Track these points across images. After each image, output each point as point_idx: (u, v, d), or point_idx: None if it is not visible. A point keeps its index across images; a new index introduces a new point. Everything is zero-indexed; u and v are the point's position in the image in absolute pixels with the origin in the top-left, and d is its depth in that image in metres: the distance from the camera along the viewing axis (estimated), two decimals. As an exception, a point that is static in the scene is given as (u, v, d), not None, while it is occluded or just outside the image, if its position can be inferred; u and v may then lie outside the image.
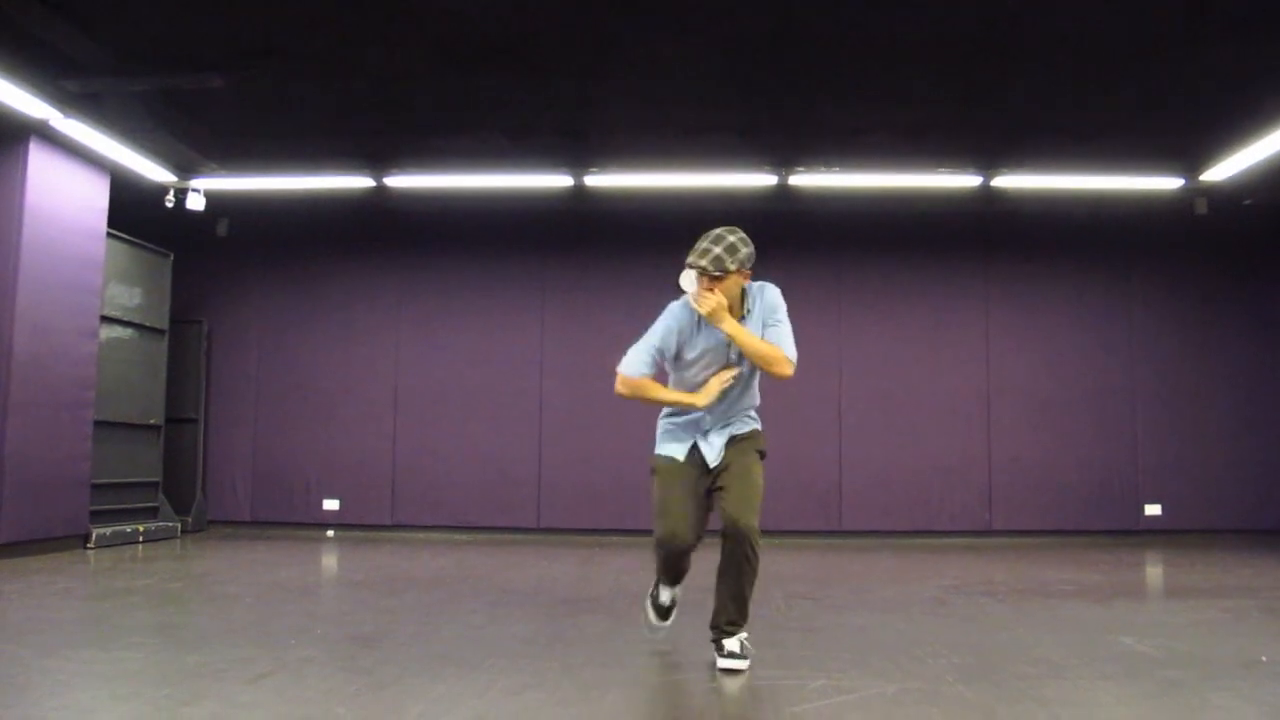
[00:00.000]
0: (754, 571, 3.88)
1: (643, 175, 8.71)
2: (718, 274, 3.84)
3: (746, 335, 3.91)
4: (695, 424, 4.11)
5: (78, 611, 5.46)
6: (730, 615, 3.93)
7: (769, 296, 4.06)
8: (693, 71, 7.19)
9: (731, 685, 3.63)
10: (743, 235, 3.94)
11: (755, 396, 4.20)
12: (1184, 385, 9.95)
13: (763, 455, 4.12)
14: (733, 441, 4.07)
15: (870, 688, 3.61)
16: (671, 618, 4.38)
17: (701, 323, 3.99)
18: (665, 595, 4.33)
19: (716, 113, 7.97)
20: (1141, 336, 10.03)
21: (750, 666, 3.86)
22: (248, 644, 4.39)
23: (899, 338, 10.04)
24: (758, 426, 4.19)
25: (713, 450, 4.06)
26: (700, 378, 4.06)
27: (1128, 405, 9.94)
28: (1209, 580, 6.92)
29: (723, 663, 3.88)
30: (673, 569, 4.10)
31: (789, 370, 3.91)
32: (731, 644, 3.91)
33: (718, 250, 3.86)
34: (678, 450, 4.09)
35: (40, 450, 7.65)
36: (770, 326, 3.98)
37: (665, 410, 4.18)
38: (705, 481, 4.03)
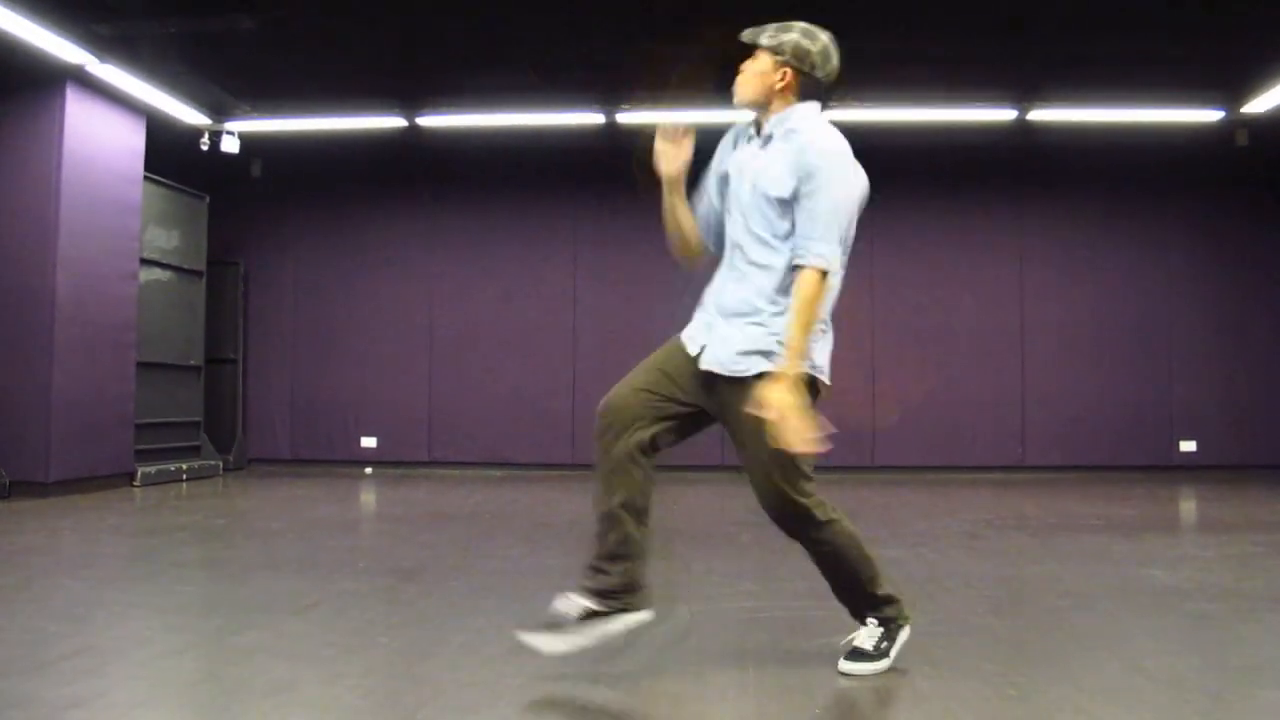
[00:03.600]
0: (833, 551, 3.00)
1: (674, 111, 8.62)
2: (746, 40, 3.08)
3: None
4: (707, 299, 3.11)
5: (128, 546, 5.63)
6: (850, 608, 3.11)
7: (811, 142, 2.90)
8: (723, 3, 7.10)
9: (765, 615, 3.69)
10: (808, 28, 3.06)
11: (767, 292, 2.92)
12: (1220, 321, 9.84)
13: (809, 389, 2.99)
14: (733, 381, 2.94)
15: (901, 619, 3.67)
16: (583, 638, 2.93)
17: (739, 140, 3.12)
18: (576, 600, 2.96)
19: (746, 45, 7.88)
20: (1178, 271, 9.91)
21: (882, 670, 3.00)
22: (292, 577, 4.52)
23: (932, 272, 9.98)
24: (770, 362, 2.89)
25: (696, 340, 3.05)
26: (730, 234, 3.06)
27: (1163, 341, 9.86)
28: (1241, 515, 6.91)
29: (841, 664, 3.02)
30: (601, 474, 2.98)
31: (812, 278, 2.81)
32: (860, 637, 3.05)
33: (770, 27, 3.06)
34: (693, 329, 3.10)
35: (86, 391, 7.81)
36: (804, 199, 2.85)
37: None
38: (697, 393, 3.02)
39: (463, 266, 10.38)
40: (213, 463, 9.54)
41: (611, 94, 8.59)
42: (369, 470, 10.16)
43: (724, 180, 3.12)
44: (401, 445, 10.26)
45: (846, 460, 9.74)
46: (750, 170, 3.00)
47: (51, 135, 7.61)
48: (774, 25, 3.06)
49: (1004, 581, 4.45)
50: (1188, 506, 7.80)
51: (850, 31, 8.04)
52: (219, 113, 9.00)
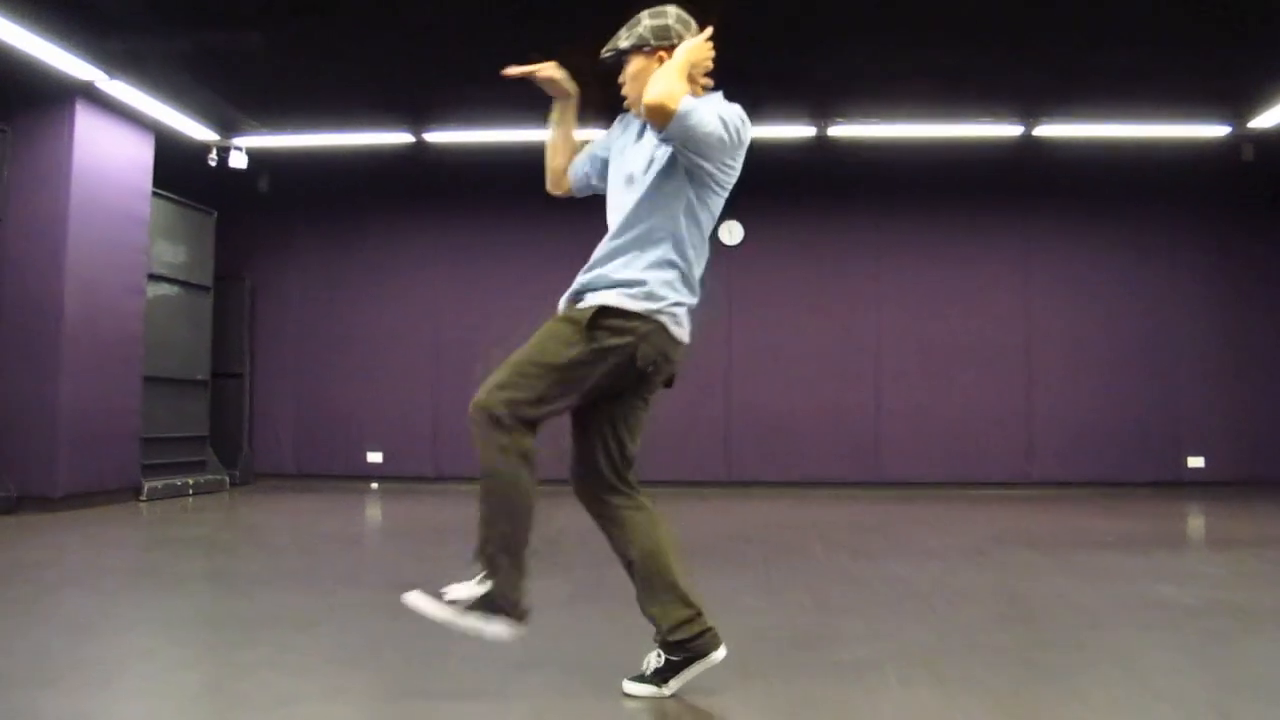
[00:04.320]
0: (487, 486, 3.03)
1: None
2: (609, 55, 3.16)
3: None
4: None
5: (134, 560, 5.63)
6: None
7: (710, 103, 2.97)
8: (724, 17, 7.12)
9: (769, 630, 3.67)
10: (652, 10, 3.09)
11: (645, 250, 3.17)
12: (1228, 335, 9.82)
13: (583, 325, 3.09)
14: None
15: (909, 634, 3.66)
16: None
17: (644, 131, 3.18)
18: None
19: (750, 61, 7.89)
20: (1184, 286, 9.89)
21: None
22: (297, 591, 4.52)
23: (939, 288, 9.96)
24: (610, 300, 3.08)
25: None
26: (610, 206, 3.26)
27: (1170, 356, 9.83)
28: (1250, 531, 6.88)
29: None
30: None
31: (654, 101, 2.86)
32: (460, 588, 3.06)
33: (621, 32, 3.09)
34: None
35: (92, 405, 7.81)
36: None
37: None
38: None
39: (469, 281, 10.39)
40: (219, 477, 9.54)
41: (617, 108, 8.59)
42: (375, 485, 10.15)
43: (603, 164, 3.39)
44: (407, 460, 10.26)
45: (853, 475, 9.74)
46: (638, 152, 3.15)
47: (61, 151, 7.65)
48: (622, 30, 3.13)
49: (1011, 597, 4.43)
50: (1196, 522, 7.77)
51: (855, 47, 8.10)
52: (227, 128, 9.04)
